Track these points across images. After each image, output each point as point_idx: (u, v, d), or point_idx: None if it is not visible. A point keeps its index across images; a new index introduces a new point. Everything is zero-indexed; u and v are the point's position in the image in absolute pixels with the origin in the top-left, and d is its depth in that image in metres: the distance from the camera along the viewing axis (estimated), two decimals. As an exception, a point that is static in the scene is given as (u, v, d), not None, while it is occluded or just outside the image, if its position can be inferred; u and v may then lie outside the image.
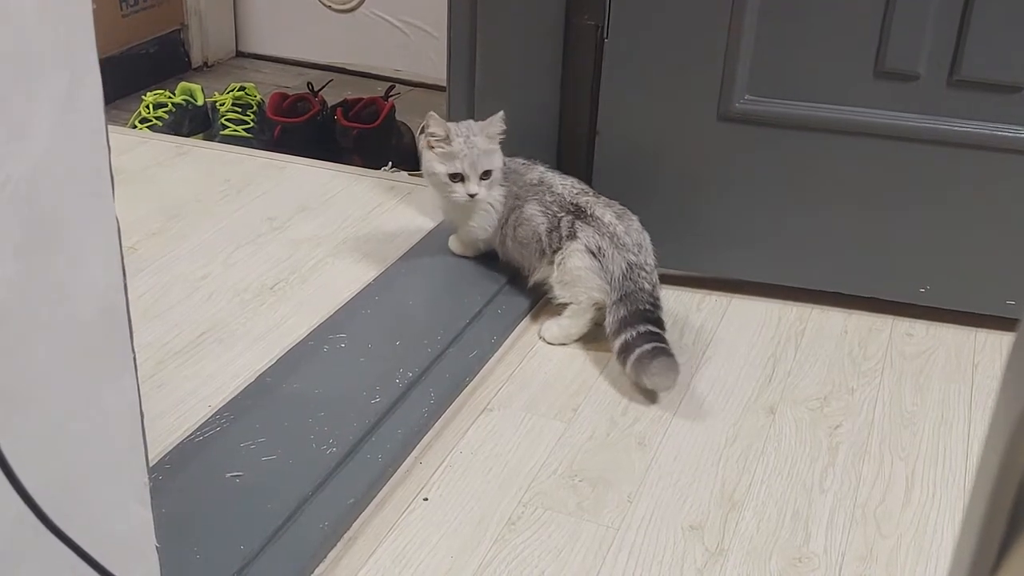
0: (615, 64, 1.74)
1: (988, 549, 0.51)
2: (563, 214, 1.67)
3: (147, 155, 2.20)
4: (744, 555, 1.30)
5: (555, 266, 1.66)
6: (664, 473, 1.43)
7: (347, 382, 1.49)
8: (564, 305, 1.68)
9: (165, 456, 1.32)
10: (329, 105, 2.47)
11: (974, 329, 1.78)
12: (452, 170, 1.66)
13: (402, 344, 1.59)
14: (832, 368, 1.67)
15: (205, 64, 2.97)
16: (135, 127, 2.40)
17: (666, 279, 1.82)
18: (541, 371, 1.63)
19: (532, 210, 1.69)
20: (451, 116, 1.90)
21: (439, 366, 1.56)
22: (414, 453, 1.43)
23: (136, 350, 0.84)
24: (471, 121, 1.71)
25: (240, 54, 3.07)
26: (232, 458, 1.33)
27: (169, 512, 1.07)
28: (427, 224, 1.94)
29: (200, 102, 2.49)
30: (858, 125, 1.69)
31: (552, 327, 1.69)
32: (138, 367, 0.85)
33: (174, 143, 2.30)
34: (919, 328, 1.79)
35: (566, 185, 1.70)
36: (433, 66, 2.75)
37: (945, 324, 1.79)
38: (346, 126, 2.39)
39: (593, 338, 1.68)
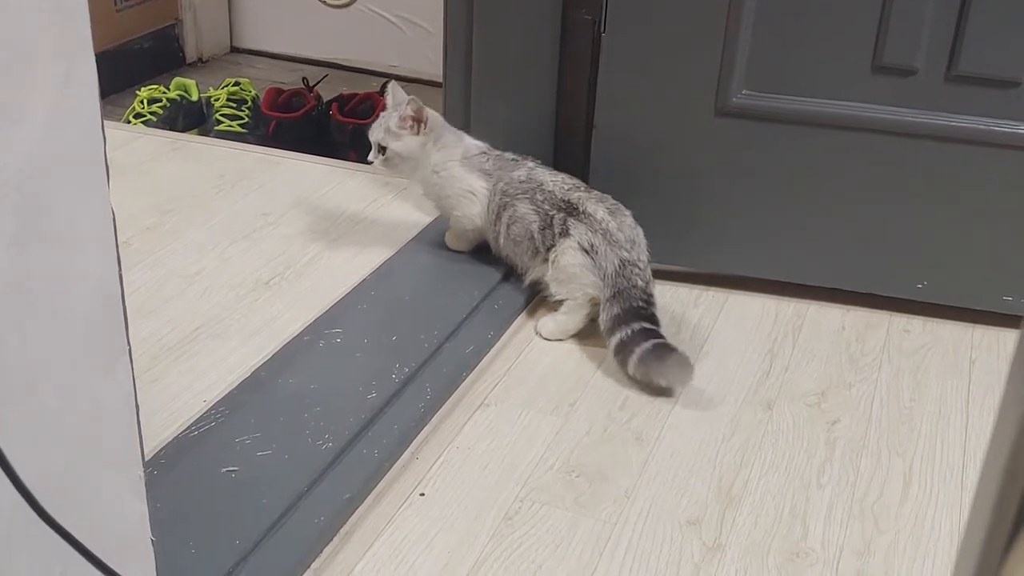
0: (612, 59, 1.73)
1: (996, 541, 0.51)
2: (555, 212, 1.66)
3: (141, 150, 2.20)
4: (742, 550, 1.29)
5: (549, 264, 1.66)
6: (661, 468, 1.42)
7: (343, 377, 1.49)
8: (560, 301, 1.68)
9: (160, 451, 1.32)
10: (324, 100, 2.47)
11: (971, 325, 1.78)
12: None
13: (398, 339, 1.59)
14: (830, 364, 1.67)
15: (200, 59, 2.96)
16: (129, 122, 2.39)
17: (663, 274, 1.82)
18: (538, 366, 1.62)
19: (524, 209, 1.68)
20: (447, 111, 1.90)
21: (435, 361, 1.56)
22: (410, 448, 1.43)
23: (131, 344, 0.83)
24: (411, 104, 1.71)
25: (235, 49, 3.06)
26: (227, 453, 1.32)
27: (164, 506, 1.07)
28: (423, 219, 1.93)
29: (195, 97, 2.48)
30: (856, 120, 1.69)
31: (548, 323, 1.69)
32: (133, 360, 0.84)
33: (169, 138, 2.29)
34: (916, 324, 1.78)
35: (556, 182, 1.70)
36: (429, 61, 2.74)
37: (942, 320, 1.78)
38: (341, 121, 2.38)
39: (590, 334, 1.67)
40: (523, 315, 1.75)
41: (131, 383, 0.84)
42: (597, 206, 1.65)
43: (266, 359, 1.52)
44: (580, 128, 1.81)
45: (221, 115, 2.41)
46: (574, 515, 1.33)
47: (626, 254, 1.61)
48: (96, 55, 0.73)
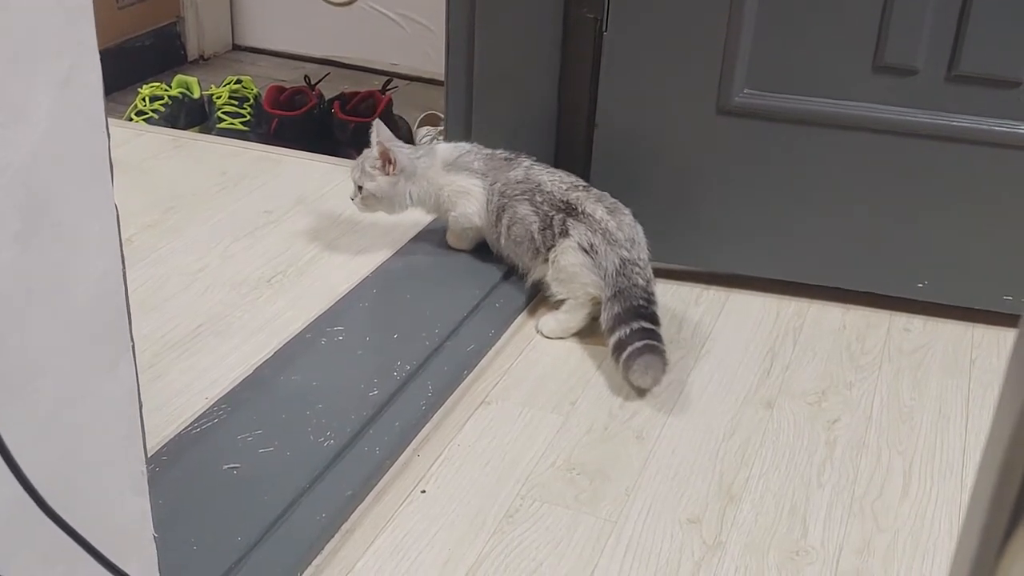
0: (614, 57, 1.73)
1: (992, 538, 0.51)
2: (554, 212, 1.66)
3: (143, 148, 2.20)
4: (742, 548, 1.30)
5: (550, 264, 1.66)
6: (662, 466, 1.43)
7: (345, 375, 1.49)
8: (562, 300, 1.68)
9: (162, 447, 1.32)
10: (326, 98, 2.47)
11: (972, 324, 1.78)
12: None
13: (400, 337, 1.59)
14: (830, 363, 1.67)
15: (201, 57, 2.96)
16: (131, 119, 2.39)
17: (664, 273, 1.82)
18: (539, 365, 1.63)
19: (524, 210, 1.68)
20: (449, 110, 1.90)
21: (437, 359, 1.56)
22: (412, 446, 1.43)
23: (134, 341, 0.84)
24: (377, 147, 1.74)
25: (236, 47, 3.06)
26: (229, 450, 1.32)
27: (166, 503, 1.08)
28: (424, 218, 1.93)
29: (196, 95, 2.48)
30: (856, 120, 1.69)
31: (550, 321, 1.69)
32: (136, 356, 0.84)
33: (170, 136, 2.29)
34: (917, 323, 1.79)
35: (554, 181, 1.70)
36: (430, 60, 2.75)
37: (943, 319, 1.79)
38: (343, 120, 2.38)
39: (591, 332, 1.68)
40: (524, 313, 1.75)
41: (134, 380, 0.84)
42: (596, 205, 1.65)
43: (268, 356, 1.52)
44: (582, 126, 1.81)
45: (223, 113, 2.41)
46: (575, 513, 1.34)
47: (626, 253, 1.61)
48: (98, 52, 0.73)
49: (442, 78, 1.92)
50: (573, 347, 1.67)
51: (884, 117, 1.68)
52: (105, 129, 0.76)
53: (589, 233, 1.62)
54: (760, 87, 1.71)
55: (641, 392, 1.56)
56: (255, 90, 2.48)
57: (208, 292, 1.70)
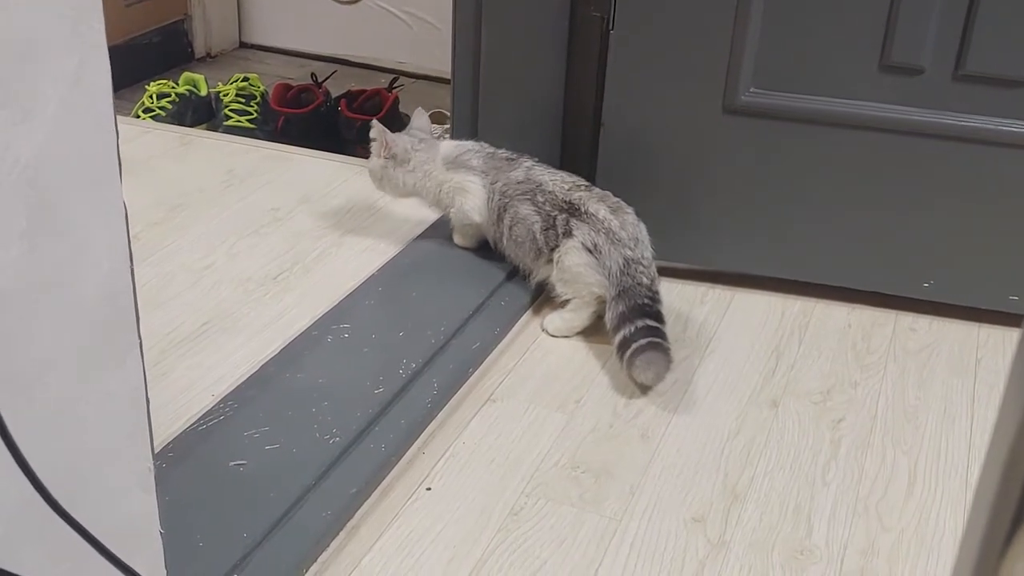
0: (621, 56, 1.73)
1: (995, 539, 0.51)
2: (557, 212, 1.66)
3: (150, 145, 2.20)
4: (746, 547, 1.30)
5: (555, 264, 1.66)
6: (667, 465, 1.43)
7: (350, 372, 1.49)
8: (567, 299, 1.68)
9: (169, 444, 1.32)
10: (333, 96, 2.47)
11: (977, 324, 1.78)
12: None
13: (405, 335, 1.59)
14: (835, 362, 1.67)
15: (208, 54, 2.97)
16: (138, 117, 2.40)
17: (670, 272, 1.82)
18: (544, 363, 1.63)
19: (525, 210, 1.69)
20: (455, 108, 1.91)
21: (442, 357, 1.56)
22: (417, 443, 1.43)
23: (141, 338, 0.84)
24: (375, 127, 1.83)
25: (243, 45, 3.06)
26: (235, 447, 1.33)
27: (173, 500, 1.08)
28: (430, 216, 1.94)
29: (203, 92, 2.49)
30: (862, 119, 1.69)
31: (555, 320, 1.69)
32: (143, 353, 0.85)
33: (177, 133, 2.29)
34: (922, 323, 1.78)
35: (556, 181, 1.69)
36: (437, 58, 2.74)
37: (948, 319, 1.79)
38: (350, 117, 2.38)
39: (596, 330, 1.68)
40: (529, 312, 1.75)
41: (141, 377, 0.85)
42: (599, 205, 1.65)
43: (274, 354, 1.53)
44: (588, 125, 1.82)
45: (230, 110, 2.41)
46: (579, 511, 1.34)
47: (629, 252, 1.61)
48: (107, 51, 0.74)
49: (448, 76, 1.92)
50: (578, 345, 1.68)
51: (890, 116, 1.68)
52: (114, 127, 0.76)
53: (592, 233, 1.62)
54: (766, 86, 1.71)
55: (644, 389, 1.56)
56: (262, 88, 2.49)
57: (214, 289, 1.71)
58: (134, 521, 0.89)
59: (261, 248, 1.84)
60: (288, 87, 2.44)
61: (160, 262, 1.77)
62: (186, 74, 2.51)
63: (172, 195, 1.99)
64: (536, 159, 1.75)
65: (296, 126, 2.37)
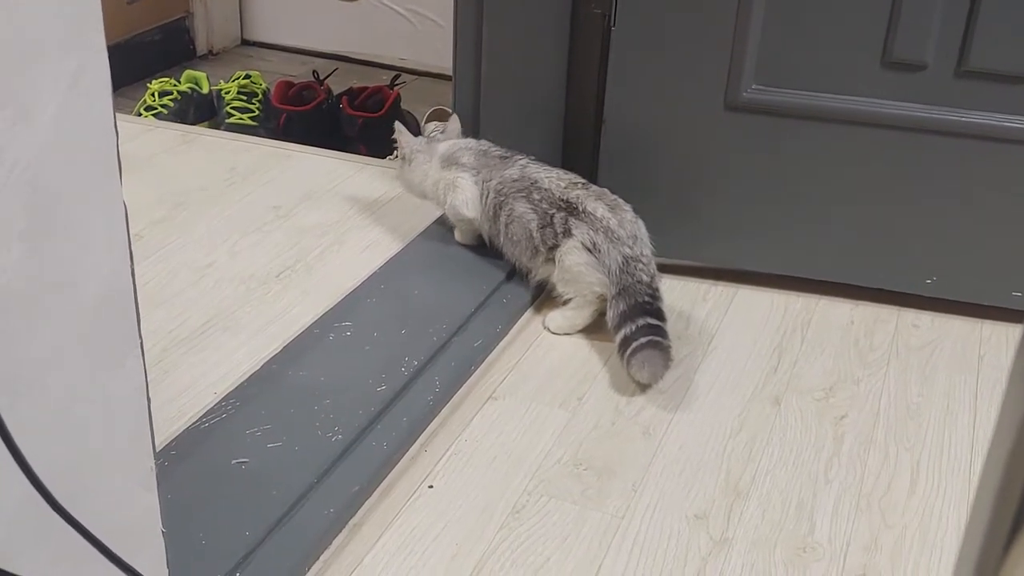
0: (622, 53, 1.73)
1: (997, 537, 0.51)
2: (555, 211, 1.65)
3: (152, 143, 2.20)
4: (749, 545, 1.30)
5: (555, 263, 1.65)
6: (669, 462, 1.43)
7: (352, 370, 1.49)
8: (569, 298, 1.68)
9: (171, 442, 1.32)
10: (334, 93, 2.47)
11: (980, 321, 1.77)
12: None
13: (407, 332, 1.59)
14: (838, 359, 1.67)
15: (210, 52, 2.97)
16: (140, 115, 2.40)
17: (672, 269, 1.82)
18: (546, 360, 1.63)
19: (521, 208, 1.68)
20: (457, 105, 1.90)
21: (444, 354, 1.56)
22: (419, 441, 1.43)
23: (142, 337, 0.84)
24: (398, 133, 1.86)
25: (245, 42, 3.07)
26: (238, 445, 1.33)
27: (175, 498, 1.08)
28: (432, 213, 1.94)
29: (205, 90, 2.49)
30: (865, 115, 1.69)
31: (557, 317, 1.69)
32: (145, 353, 0.85)
33: (179, 131, 2.29)
34: (925, 319, 1.78)
35: (552, 179, 1.69)
36: (438, 55, 2.74)
37: (951, 315, 1.78)
38: (351, 115, 2.38)
39: (598, 328, 1.68)
40: (531, 310, 1.75)
41: (142, 376, 0.85)
42: (597, 203, 1.64)
43: (276, 352, 1.53)
44: (589, 122, 1.81)
45: (232, 108, 2.41)
46: (581, 508, 1.34)
47: (628, 250, 1.61)
48: (107, 48, 0.74)
49: (450, 73, 1.92)
50: (580, 343, 1.67)
51: (893, 113, 1.68)
52: (114, 127, 0.76)
53: (592, 232, 1.62)
54: (768, 83, 1.70)
55: (643, 387, 1.56)
56: (264, 85, 2.49)
57: (216, 287, 1.71)
58: (136, 520, 0.89)
59: (263, 246, 1.84)
60: (290, 84, 2.44)
61: (162, 260, 1.77)
62: (188, 72, 2.51)
63: (174, 193, 1.99)
64: (531, 157, 1.75)
65: (298, 123, 2.37)
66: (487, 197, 1.72)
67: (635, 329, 1.55)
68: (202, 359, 1.52)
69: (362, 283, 1.72)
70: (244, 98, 2.43)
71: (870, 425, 1.52)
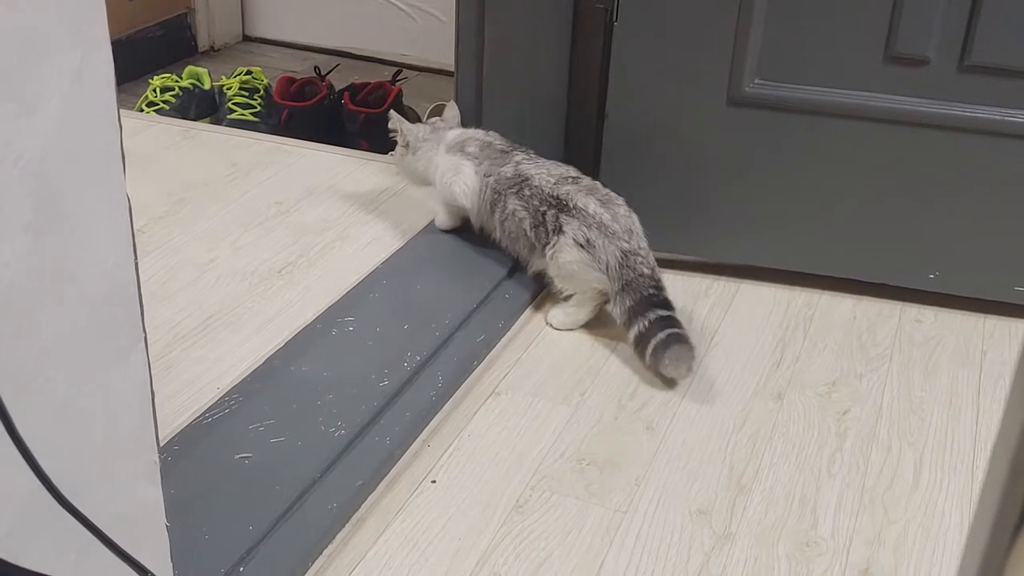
0: (624, 47, 1.73)
1: (1002, 533, 0.51)
2: (545, 208, 1.64)
3: (154, 139, 2.20)
4: (752, 539, 1.30)
5: (549, 260, 1.65)
6: (672, 457, 1.43)
7: (355, 365, 1.50)
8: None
9: (174, 437, 1.33)
10: (336, 89, 2.47)
11: (983, 316, 1.77)
12: None
13: (410, 328, 1.59)
14: (841, 354, 1.67)
15: (212, 48, 2.97)
16: (142, 110, 2.40)
17: (674, 264, 1.82)
18: (548, 355, 1.63)
19: (513, 205, 1.68)
20: (459, 100, 1.90)
21: (447, 350, 1.56)
22: (422, 436, 1.43)
23: (146, 332, 0.84)
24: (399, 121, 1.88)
25: (247, 38, 3.06)
26: (241, 440, 1.33)
27: (178, 493, 1.08)
28: (434, 209, 1.93)
29: (207, 86, 2.49)
30: (868, 110, 1.68)
31: (558, 313, 1.69)
32: (148, 346, 0.85)
33: (181, 127, 2.29)
34: (928, 314, 1.78)
35: (542, 175, 1.67)
36: (440, 51, 2.74)
37: (954, 310, 1.78)
38: (353, 110, 2.38)
39: (600, 323, 1.68)
40: (533, 305, 1.75)
41: (146, 370, 0.85)
42: (588, 199, 1.63)
43: (279, 347, 1.53)
44: (591, 117, 1.81)
45: (233, 104, 2.41)
46: (584, 503, 1.34)
47: (625, 244, 1.60)
48: (110, 45, 0.74)
49: (452, 69, 1.92)
50: (583, 338, 1.67)
51: (895, 107, 1.67)
52: (117, 121, 0.76)
53: (584, 228, 1.61)
54: (771, 77, 1.70)
55: (663, 380, 1.56)
56: (265, 81, 2.49)
57: (219, 283, 1.71)
58: (140, 514, 0.89)
59: (266, 241, 1.84)
60: (292, 80, 2.44)
61: (165, 256, 1.77)
62: (190, 68, 2.51)
63: (176, 189, 1.99)
64: (529, 152, 1.74)
65: (300, 119, 2.37)
66: (484, 192, 1.72)
67: (649, 324, 1.55)
68: (205, 355, 1.52)
69: (364, 278, 1.72)
70: (246, 94, 2.43)
71: (873, 420, 1.52)
